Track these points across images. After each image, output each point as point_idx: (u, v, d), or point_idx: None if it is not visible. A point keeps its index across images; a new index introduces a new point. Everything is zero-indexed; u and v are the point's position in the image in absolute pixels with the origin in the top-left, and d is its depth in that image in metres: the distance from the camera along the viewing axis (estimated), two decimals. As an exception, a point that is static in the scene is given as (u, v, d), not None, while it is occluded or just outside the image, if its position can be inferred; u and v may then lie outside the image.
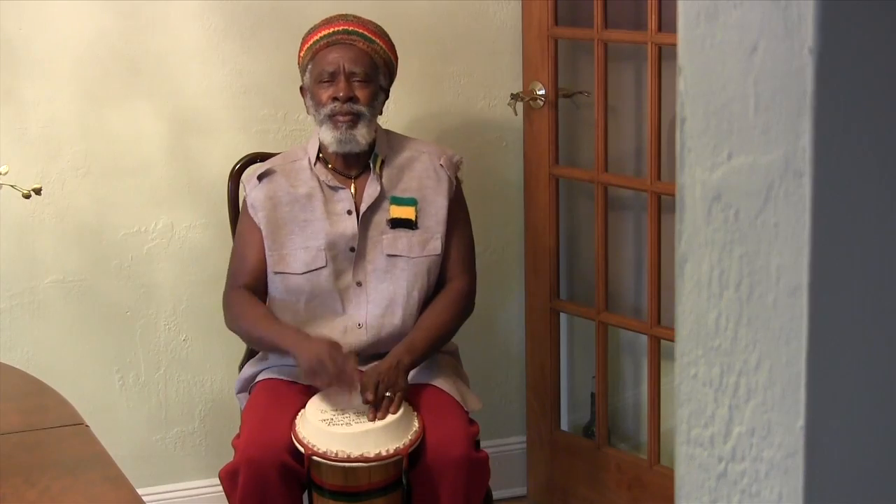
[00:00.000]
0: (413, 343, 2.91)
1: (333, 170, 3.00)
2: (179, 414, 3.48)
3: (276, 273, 2.97)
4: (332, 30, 2.97)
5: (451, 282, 3.03)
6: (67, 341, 3.36)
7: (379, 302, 2.97)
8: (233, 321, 2.99)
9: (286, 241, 2.96)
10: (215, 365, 3.47)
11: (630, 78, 3.56)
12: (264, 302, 3.00)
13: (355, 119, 2.92)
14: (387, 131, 3.09)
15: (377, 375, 2.80)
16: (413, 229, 2.99)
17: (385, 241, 2.98)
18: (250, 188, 3.01)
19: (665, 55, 3.13)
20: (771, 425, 0.94)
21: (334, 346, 2.81)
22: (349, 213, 2.97)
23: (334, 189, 2.98)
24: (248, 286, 2.98)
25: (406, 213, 3.00)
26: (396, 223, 2.99)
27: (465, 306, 3.04)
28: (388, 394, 2.78)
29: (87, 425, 2.34)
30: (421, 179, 3.02)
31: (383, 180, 3.00)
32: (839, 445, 0.93)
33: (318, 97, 2.95)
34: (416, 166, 3.04)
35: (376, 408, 2.75)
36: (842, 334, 0.92)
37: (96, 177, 3.31)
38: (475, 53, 3.56)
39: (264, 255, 2.97)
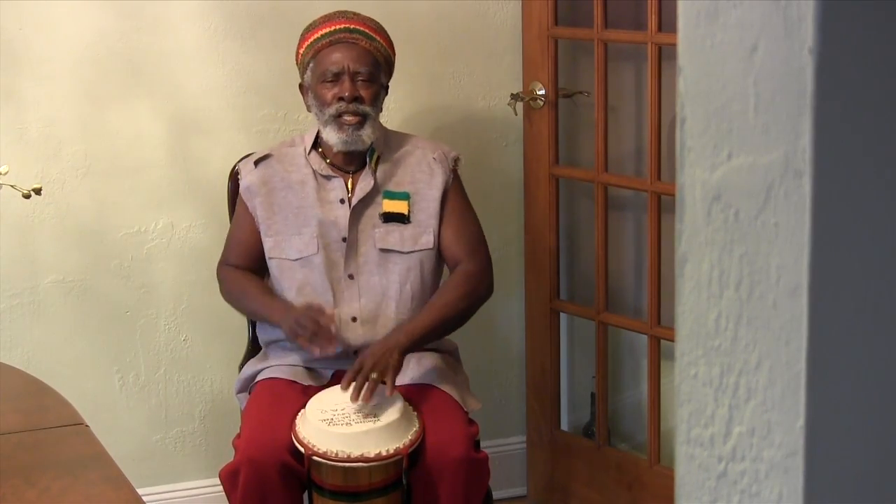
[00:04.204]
0: (413, 323, 2.90)
1: (331, 164, 3.02)
2: (179, 414, 3.48)
3: (272, 258, 3.00)
4: (333, 28, 2.97)
5: (458, 265, 3.01)
6: (67, 341, 3.36)
7: (372, 296, 2.97)
8: (225, 294, 3.07)
9: (281, 227, 2.99)
10: (215, 365, 3.47)
11: (630, 78, 3.56)
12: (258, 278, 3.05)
13: (362, 121, 2.94)
14: (385, 129, 3.10)
15: (368, 355, 2.80)
16: (405, 223, 3.00)
17: (377, 234, 2.99)
18: (245, 172, 3.04)
19: (665, 55, 3.13)
20: (771, 425, 0.94)
21: (312, 306, 2.84)
22: (342, 202, 2.99)
23: (327, 178, 3.00)
24: (237, 266, 3.04)
25: (398, 207, 3.00)
26: (389, 217, 2.99)
27: (475, 286, 2.98)
28: (373, 375, 2.78)
29: (87, 425, 2.34)
30: (413, 173, 3.03)
31: (377, 175, 3.00)
32: (839, 445, 0.93)
33: (321, 97, 2.96)
34: (409, 160, 3.05)
35: (362, 389, 2.75)
36: (842, 334, 0.92)
37: (96, 177, 3.31)
38: (475, 53, 3.55)
39: (255, 237, 3.01)
